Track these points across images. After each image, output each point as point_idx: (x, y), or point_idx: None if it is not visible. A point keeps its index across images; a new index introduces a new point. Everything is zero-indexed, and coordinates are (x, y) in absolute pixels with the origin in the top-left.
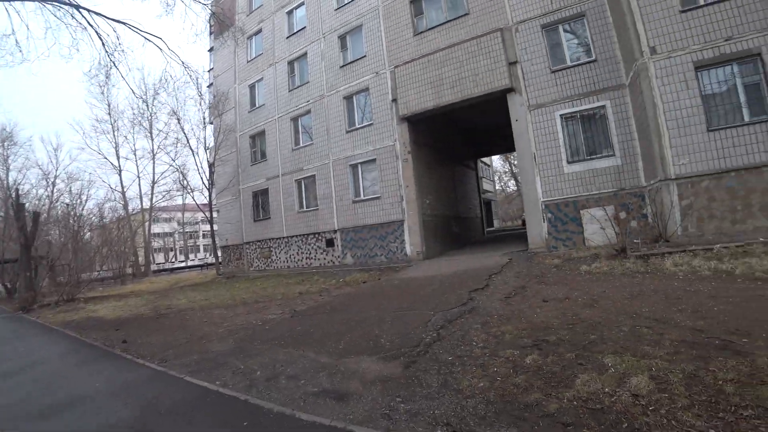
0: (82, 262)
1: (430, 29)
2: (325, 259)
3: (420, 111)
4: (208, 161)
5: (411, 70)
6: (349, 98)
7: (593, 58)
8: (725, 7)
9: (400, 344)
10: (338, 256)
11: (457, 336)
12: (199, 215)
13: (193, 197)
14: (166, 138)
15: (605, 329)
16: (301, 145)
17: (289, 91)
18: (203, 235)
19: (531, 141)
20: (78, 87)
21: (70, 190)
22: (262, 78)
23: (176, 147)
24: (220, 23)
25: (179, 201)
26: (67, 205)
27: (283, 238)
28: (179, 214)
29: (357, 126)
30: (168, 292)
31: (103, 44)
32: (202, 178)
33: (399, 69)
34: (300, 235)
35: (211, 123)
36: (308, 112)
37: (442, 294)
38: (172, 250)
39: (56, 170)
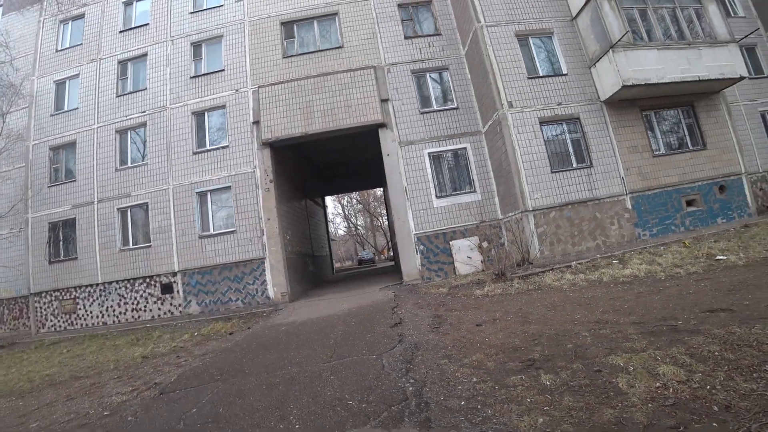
0: None
1: (301, 54)
2: (160, 309)
3: (286, 137)
4: None
5: (278, 93)
6: (199, 114)
7: (456, 105)
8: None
9: (380, 401)
10: (179, 305)
11: (436, 376)
12: None
13: None
14: None
15: (570, 338)
16: (130, 164)
17: (117, 97)
18: None
19: (402, 175)
20: None
21: None
22: (77, 74)
23: None
24: None
25: None
26: None
27: (97, 285)
28: None
29: (208, 147)
30: None
31: None
32: None
33: (264, 90)
34: (123, 280)
35: None
36: (143, 124)
37: (360, 336)
38: None
39: None
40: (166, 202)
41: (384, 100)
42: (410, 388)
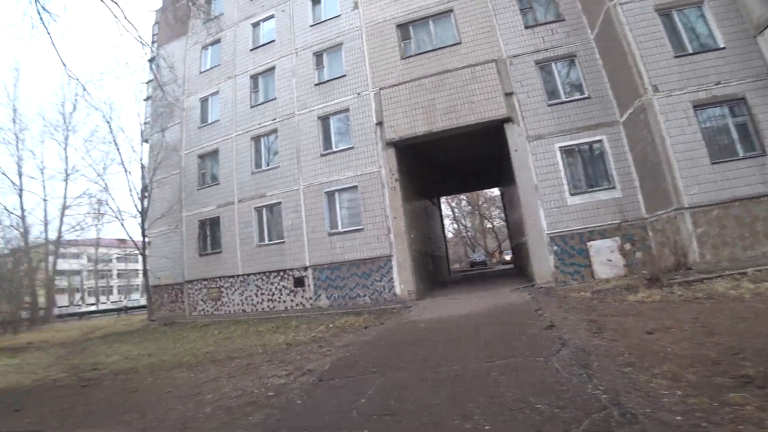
0: None
1: (419, 54)
2: (292, 301)
3: (409, 136)
4: (143, 183)
5: (398, 94)
6: (324, 119)
7: (587, 95)
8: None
9: (574, 407)
10: (310, 298)
11: (627, 385)
12: (114, 252)
13: (122, 222)
14: (90, 147)
15: None
16: (264, 168)
17: (251, 107)
18: (118, 274)
19: (532, 171)
20: None
21: None
22: (217, 91)
23: (104, 163)
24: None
25: (92, 234)
26: None
27: (238, 276)
28: (91, 250)
29: (334, 149)
30: (85, 344)
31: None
32: (134, 202)
33: (385, 91)
34: (260, 273)
35: (146, 141)
36: (274, 131)
37: (512, 336)
38: (78, 291)
39: None
40: (297, 201)
41: (508, 94)
42: (603, 396)
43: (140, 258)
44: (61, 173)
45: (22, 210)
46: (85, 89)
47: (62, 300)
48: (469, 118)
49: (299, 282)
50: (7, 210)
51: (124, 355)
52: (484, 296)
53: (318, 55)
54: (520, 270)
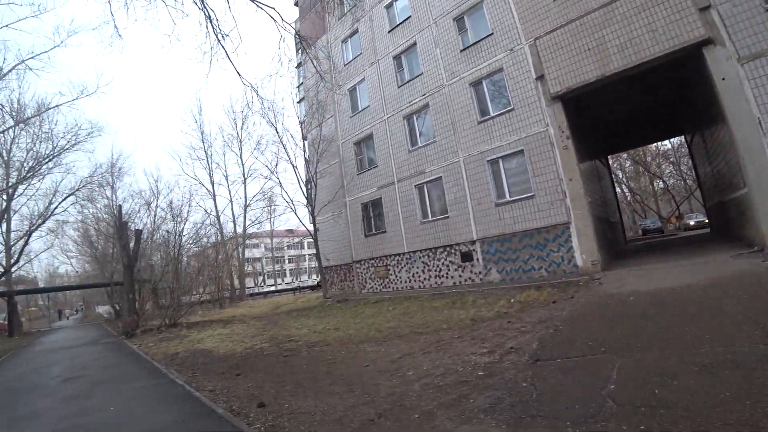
0: (182, 285)
1: None
2: (460, 276)
3: (578, 85)
4: (308, 175)
5: (558, 40)
6: (477, 84)
7: None
8: None
9: None
10: (479, 272)
11: None
12: (285, 240)
13: (295, 212)
14: (261, 150)
15: None
16: (420, 144)
17: (399, 87)
18: (289, 259)
19: (751, 102)
20: (174, 119)
21: (172, 217)
22: (363, 79)
23: (275, 161)
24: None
25: (268, 227)
26: (167, 232)
27: (404, 254)
28: (267, 240)
29: (492, 114)
30: (275, 317)
31: (209, 20)
32: (303, 193)
33: (541, 41)
34: (425, 250)
35: (305, 139)
36: (425, 107)
37: None
38: (260, 275)
39: (157, 199)
40: (458, 174)
41: (703, 9)
42: None
43: (307, 244)
44: (240, 177)
45: (216, 211)
46: (256, 92)
47: (249, 282)
48: (652, 50)
49: (467, 256)
50: (206, 211)
51: (311, 328)
52: (689, 265)
53: (458, 20)
54: (725, 234)
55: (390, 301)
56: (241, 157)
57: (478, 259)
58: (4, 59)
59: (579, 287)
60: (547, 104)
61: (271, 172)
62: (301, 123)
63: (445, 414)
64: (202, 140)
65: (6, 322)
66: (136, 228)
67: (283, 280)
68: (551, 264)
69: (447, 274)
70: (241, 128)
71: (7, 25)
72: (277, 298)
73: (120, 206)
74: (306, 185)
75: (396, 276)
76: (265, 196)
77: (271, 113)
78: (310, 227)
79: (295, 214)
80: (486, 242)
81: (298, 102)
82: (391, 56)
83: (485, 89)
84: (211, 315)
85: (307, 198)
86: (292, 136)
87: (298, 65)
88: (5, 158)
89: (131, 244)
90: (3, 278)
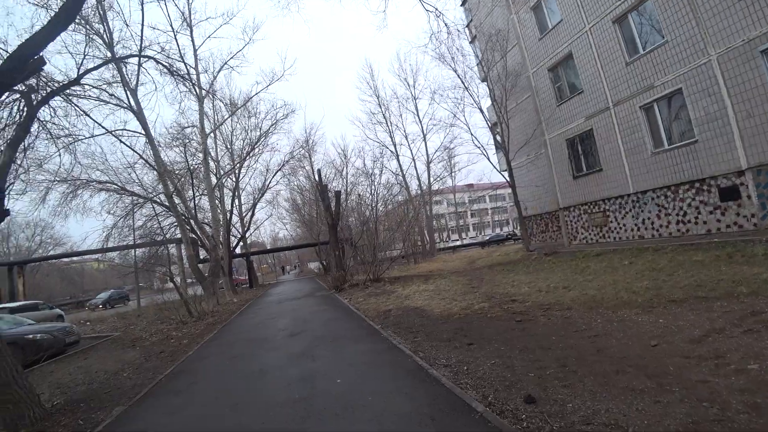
0: (381, 242)
1: None
2: (719, 221)
3: None
4: (497, 117)
5: None
6: None
7: None
8: None
9: None
10: (751, 215)
11: None
12: (466, 196)
13: (488, 157)
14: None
15: None
16: (643, 51)
17: None
18: (471, 214)
19: None
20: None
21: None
22: None
23: (461, 106)
24: None
25: (449, 183)
26: (359, 195)
27: (629, 195)
28: (449, 195)
29: None
30: (477, 273)
31: None
32: (493, 138)
33: None
34: (662, 188)
35: (483, 81)
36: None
37: None
38: (444, 231)
39: (346, 167)
40: (708, 80)
41: None
42: None
43: (488, 198)
44: (419, 136)
45: (401, 170)
46: (443, 16)
47: (436, 238)
48: None
49: (729, 193)
50: (392, 172)
51: (530, 286)
52: None
53: None
54: None
55: (618, 253)
56: (417, 114)
57: (749, 196)
58: (213, 63)
59: None
60: None
61: (454, 116)
62: (478, 63)
63: None
64: (379, 104)
65: (246, 278)
66: (336, 190)
67: (467, 235)
68: None
69: (697, 218)
70: (413, 85)
71: (209, 36)
72: (465, 252)
73: (319, 170)
74: (493, 129)
75: (618, 223)
76: (447, 149)
77: (450, 55)
78: (499, 177)
79: (488, 159)
80: (764, 171)
81: (470, 42)
82: None
83: None
84: (407, 269)
85: (499, 142)
86: (475, 74)
87: (463, 2)
88: (229, 148)
89: (332, 205)
90: (241, 243)
